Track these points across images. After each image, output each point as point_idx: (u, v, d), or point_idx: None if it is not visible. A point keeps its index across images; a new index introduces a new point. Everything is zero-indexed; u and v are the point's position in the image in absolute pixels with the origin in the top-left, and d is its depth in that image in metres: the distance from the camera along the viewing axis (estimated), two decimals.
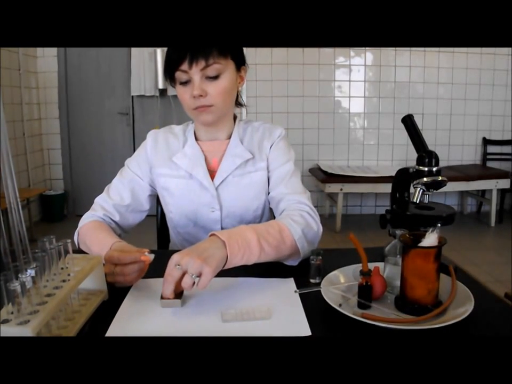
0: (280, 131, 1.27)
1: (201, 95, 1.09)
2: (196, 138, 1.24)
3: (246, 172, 1.22)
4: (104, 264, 0.93)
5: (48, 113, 4.51)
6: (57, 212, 4.47)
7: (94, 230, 1.14)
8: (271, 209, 1.29)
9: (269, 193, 1.26)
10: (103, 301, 0.88)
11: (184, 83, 1.10)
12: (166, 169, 1.23)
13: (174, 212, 1.25)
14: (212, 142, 1.24)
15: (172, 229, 1.31)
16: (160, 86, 4.26)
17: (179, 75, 1.10)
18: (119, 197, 1.23)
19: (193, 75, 1.08)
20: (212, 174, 1.21)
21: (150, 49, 4.21)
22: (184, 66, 1.07)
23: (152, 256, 0.93)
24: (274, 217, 1.31)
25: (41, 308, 0.67)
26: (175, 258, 0.85)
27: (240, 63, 1.17)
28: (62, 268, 0.79)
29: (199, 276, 0.83)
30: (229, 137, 1.24)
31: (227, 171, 1.20)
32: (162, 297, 0.87)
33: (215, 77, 1.09)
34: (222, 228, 1.23)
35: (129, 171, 1.26)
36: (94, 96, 4.50)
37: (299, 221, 1.06)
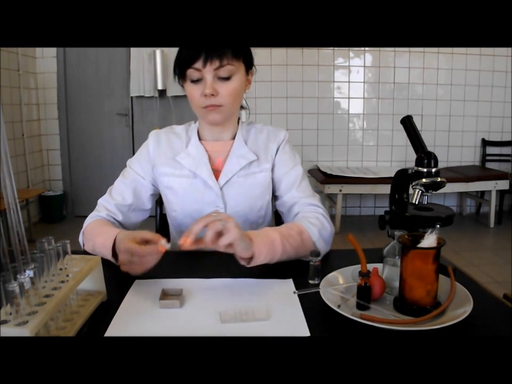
0: (285, 134, 1.30)
1: (212, 94, 1.10)
2: (199, 138, 1.25)
3: (251, 172, 1.23)
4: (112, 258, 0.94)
5: (47, 114, 4.50)
6: (56, 212, 4.46)
7: (98, 225, 1.15)
8: (275, 212, 1.30)
9: (274, 195, 1.29)
10: (102, 302, 0.88)
11: (196, 81, 1.12)
12: (169, 169, 1.23)
13: (178, 211, 1.25)
14: (216, 142, 1.25)
15: (175, 228, 1.31)
16: (160, 86, 4.25)
17: (191, 73, 1.11)
18: (121, 197, 1.23)
19: (206, 74, 1.10)
20: (216, 173, 1.22)
21: (149, 50, 4.21)
22: (198, 64, 1.08)
23: (168, 246, 0.91)
24: (277, 219, 1.34)
25: (40, 308, 0.66)
26: (232, 222, 0.89)
27: (249, 66, 1.19)
28: (60, 269, 0.79)
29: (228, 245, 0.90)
30: (233, 138, 1.26)
31: (232, 171, 1.21)
32: (161, 298, 0.87)
33: (227, 78, 1.12)
34: None
35: (131, 171, 1.26)
36: (93, 97, 4.49)
37: (315, 223, 1.11)
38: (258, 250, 0.95)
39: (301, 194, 1.23)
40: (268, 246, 0.97)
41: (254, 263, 0.96)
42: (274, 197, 1.32)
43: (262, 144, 1.27)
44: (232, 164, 1.22)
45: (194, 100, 1.15)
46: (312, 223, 1.11)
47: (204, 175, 1.20)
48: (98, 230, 1.11)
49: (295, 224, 1.10)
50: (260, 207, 1.25)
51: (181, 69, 1.12)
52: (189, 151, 1.23)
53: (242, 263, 0.98)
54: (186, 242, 0.88)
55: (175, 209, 1.25)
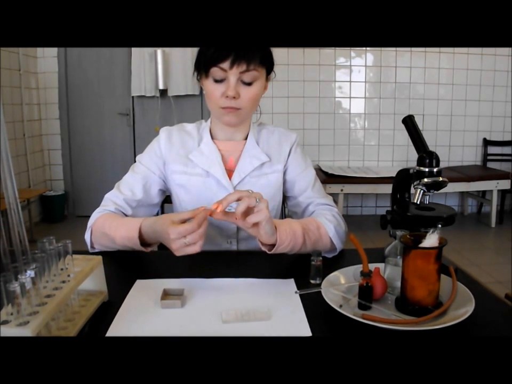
0: (296, 135, 1.32)
1: (234, 97, 1.11)
2: (211, 137, 1.25)
3: (263, 173, 1.24)
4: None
5: (48, 114, 4.51)
6: (58, 212, 4.46)
7: (113, 218, 1.13)
8: (281, 213, 1.34)
9: (286, 196, 1.31)
10: (103, 302, 0.88)
11: (218, 81, 1.11)
12: (181, 166, 1.23)
13: (190, 209, 1.24)
14: (228, 141, 1.26)
15: None
16: (161, 86, 4.25)
17: (215, 71, 1.10)
18: (131, 192, 1.22)
19: (231, 76, 1.09)
20: (229, 173, 1.22)
21: (151, 50, 4.21)
22: (225, 65, 1.08)
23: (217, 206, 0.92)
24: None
25: (41, 309, 0.66)
26: (266, 203, 0.92)
27: (269, 72, 1.19)
28: (61, 269, 0.79)
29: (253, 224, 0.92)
30: (245, 138, 1.27)
31: (245, 171, 1.22)
32: (162, 298, 0.87)
33: (250, 83, 1.12)
34: (237, 228, 1.24)
35: (141, 166, 1.25)
36: (94, 96, 4.50)
37: (332, 220, 1.15)
38: (281, 238, 0.99)
39: (316, 195, 1.26)
40: (290, 236, 1.01)
41: (275, 251, 1.00)
42: (287, 198, 1.33)
43: (274, 145, 1.28)
44: (245, 164, 1.23)
45: (213, 99, 1.14)
46: (328, 219, 1.14)
47: (218, 174, 1.20)
48: (116, 223, 1.10)
49: (313, 219, 1.14)
50: (271, 208, 1.25)
51: (205, 66, 1.11)
52: (202, 150, 1.23)
53: (264, 249, 1.01)
54: (218, 209, 0.90)
55: (187, 207, 1.24)
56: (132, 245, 1.04)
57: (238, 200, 0.90)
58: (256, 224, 0.93)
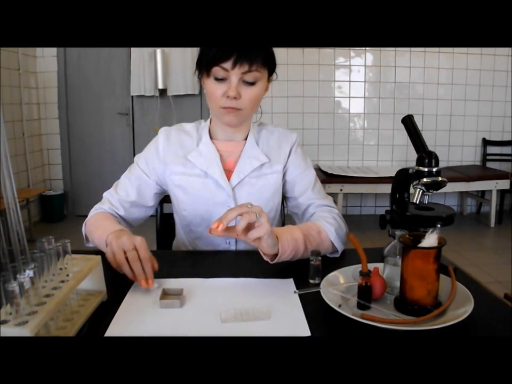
0: (296, 136, 1.31)
1: (235, 97, 1.10)
2: (211, 137, 1.25)
3: (262, 173, 1.24)
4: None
5: (47, 113, 4.50)
6: (57, 212, 4.46)
7: (100, 219, 1.17)
8: (280, 213, 1.34)
9: (286, 197, 1.31)
10: (102, 302, 0.88)
11: (220, 80, 1.11)
12: (180, 167, 1.23)
13: (188, 210, 1.25)
14: (228, 142, 1.25)
15: (184, 227, 1.30)
16: (160, 86, 4.25)
17: (217, 71, 1.09)
18: (125, 193, 1.24)
19: (232, 76, 1.09)
20: (227, 173, 1.22)
21: (150, 50, 4.20)
22: (227, 64, 1.07)
23: (155, 286, 0.93)
24: (283, 220, 1.39)
25: (40, 308, 0.66)
26: (266, 217, 0.91)
27: (271, 73, 1.19)
28: (60, 269, 0.79)
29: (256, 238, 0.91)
30: (245, 139, 1.26)
31: (244, 172, 1.22)
32: (161, 298, 0.87)
33: (251, 83, 1.11)
34: None
35: (137, 168, 1.26)
36: (93, 96, 4.50)
37: (332, 223, 1.14)
38: (283, 248, 0.98)
39: (316, 196, 1.25)
40: (292, 244, 1.00)
41: (277, 260, 0.99)
42: (287, 199, 1.33)
43: (274, 146, 1.27)
44: (244, 164, 1.22)
45: (214, 98, 1.13)
46: (329, 222, 1.14)
47: (216, 175, 1.20)
48: (98, 224, 1.14)
49: (313, 223, 1.13)
50: (270, 208, 1.25)
51: (207, 65, 1.10)
52: (201, 150, 1.23)
53: (266, 259, 1.00)
54: (218, 228, 0.88)
55: (185, 208, 1.25)
56: (103, 247, 1.03)
57: (239, 215, 0.90)
58: (258, 238, 0.92)
